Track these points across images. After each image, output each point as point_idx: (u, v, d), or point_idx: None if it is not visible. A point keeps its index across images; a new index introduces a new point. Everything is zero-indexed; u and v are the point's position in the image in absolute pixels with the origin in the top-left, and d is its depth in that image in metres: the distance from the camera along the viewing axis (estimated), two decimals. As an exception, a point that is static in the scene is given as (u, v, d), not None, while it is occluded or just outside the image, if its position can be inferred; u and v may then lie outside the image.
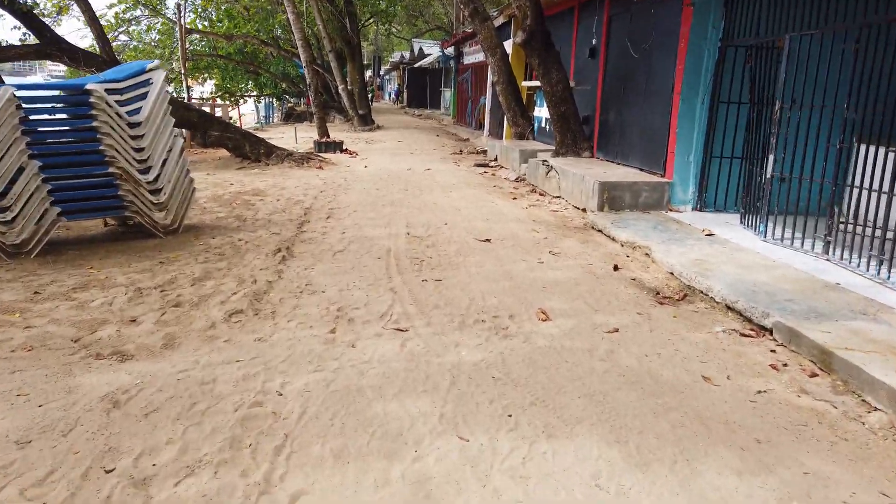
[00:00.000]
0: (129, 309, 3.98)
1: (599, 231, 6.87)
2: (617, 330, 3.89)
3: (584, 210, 7.86)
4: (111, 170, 5.40)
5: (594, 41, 10.05)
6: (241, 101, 29.00)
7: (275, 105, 34.56)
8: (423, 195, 8.66)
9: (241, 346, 3.51)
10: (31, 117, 5.25)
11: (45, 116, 5.47)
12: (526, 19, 9.53)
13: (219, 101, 25.96)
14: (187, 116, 11.15)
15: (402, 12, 39.34)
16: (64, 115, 5.43)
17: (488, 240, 6.21)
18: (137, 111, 5.59)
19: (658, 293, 4.65)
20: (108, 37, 20.55)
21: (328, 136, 14.19)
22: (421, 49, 36.93)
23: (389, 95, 56.57)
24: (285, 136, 18.20)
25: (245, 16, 22.81)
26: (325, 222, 6.82)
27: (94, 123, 5.26)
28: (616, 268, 5.31)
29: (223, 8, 23.20)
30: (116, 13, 18.64)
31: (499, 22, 14.41)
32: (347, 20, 21.47)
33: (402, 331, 3.82)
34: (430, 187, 9.36)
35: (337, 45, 21.57)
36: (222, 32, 21.42)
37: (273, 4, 22.77)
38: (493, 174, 11.40)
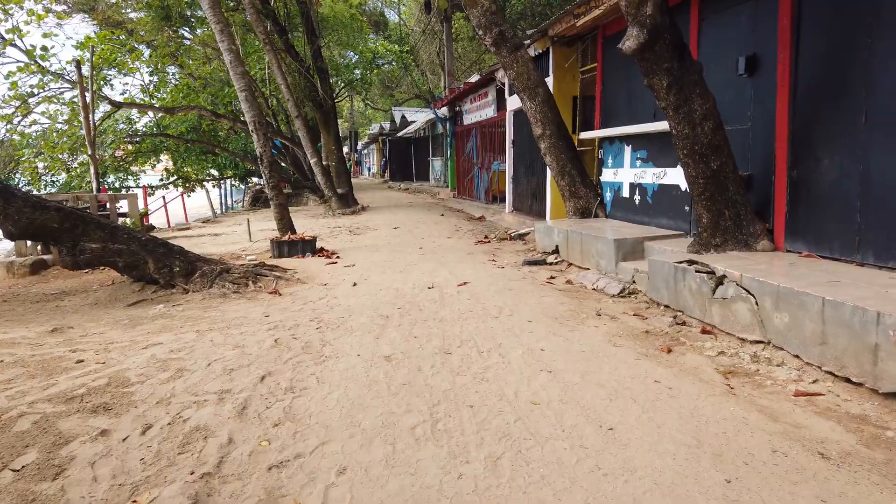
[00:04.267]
0: None
1: None
2: None
3: (873, 391, 3.24)
4: None
5: (750, 48, 5.67)
6: (198, 186, 24.42)
7: (239, 187, 30.12)
8: (493, 373, 3.85)
9: None
10: None
11: None
12: (643, 5, 5.10)
13: (160, 188, 21.33)
14: (42, 221, 6.41)
15: (378, 82, 35.59)
16: None
17: None
18: None
19: None
20: (16, 120, 16.14)
21: (293, 232, 9.47)
22: (403, 116, 33.16)
23: (369, 171, 52.85)
24: (239, 230, 13.50)
25: (194, 87, 18.54)
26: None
27: None
28: None
29: (171, 80, 19.02)
30: (14, 83, 14.05)
31: (532, 52, 10.11)
32: (318, 79, 17.16)
33: None
34: (495, 338, 4.57)
35: (306, 110, 17.27)
36: (161, 105, 16.97)
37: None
38: (570, 282, 6.71)
